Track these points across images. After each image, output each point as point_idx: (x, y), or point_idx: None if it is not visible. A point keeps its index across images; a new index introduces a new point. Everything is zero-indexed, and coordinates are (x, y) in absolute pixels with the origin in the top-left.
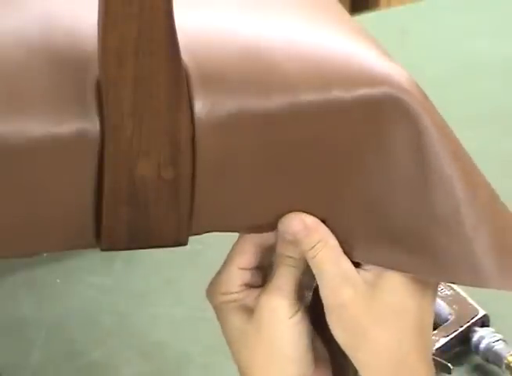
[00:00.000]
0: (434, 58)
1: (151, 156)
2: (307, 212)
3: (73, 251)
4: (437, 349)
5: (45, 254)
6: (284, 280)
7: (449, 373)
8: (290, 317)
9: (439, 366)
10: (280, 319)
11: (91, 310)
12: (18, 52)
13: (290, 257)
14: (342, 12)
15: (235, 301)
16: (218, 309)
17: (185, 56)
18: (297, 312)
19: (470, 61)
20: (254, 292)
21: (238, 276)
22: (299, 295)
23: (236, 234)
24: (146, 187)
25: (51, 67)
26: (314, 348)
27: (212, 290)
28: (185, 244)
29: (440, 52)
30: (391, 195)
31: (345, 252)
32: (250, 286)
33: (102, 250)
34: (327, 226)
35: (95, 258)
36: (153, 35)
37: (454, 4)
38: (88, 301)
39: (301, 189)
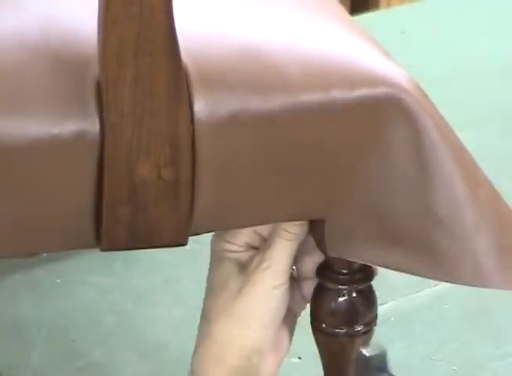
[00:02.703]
0: (434, 58)
1: (151, 156)
2: (307, 212)
3: (73, 251)
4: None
5: (44, 254)
6: (279, 252)
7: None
8: (274, 288)
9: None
10: (264, 288)
11: (91, 310)
12: (19, 53)
13: (287, 231)
14: (342, 12)
15: (233, 252)
16: (215, 254)
17: (185, 56)
18: (282, 284)
19: (470, 61)
20: (253, 253)
21: (248, 234)
22: (288, 269)
23: None
24: (145, 187)
25: (51, 68)
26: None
27: (219, 234)
28: (185, 244)
29: (440, 52)
30: (391, 195)
31: (345, 252)
32: (252, 247)
33: (102, 250)
34: (327, 226)
35: (95, 258)
36: (153, 35)
37: (454, 4)
38: (88, 301)
39: (300, 189)
